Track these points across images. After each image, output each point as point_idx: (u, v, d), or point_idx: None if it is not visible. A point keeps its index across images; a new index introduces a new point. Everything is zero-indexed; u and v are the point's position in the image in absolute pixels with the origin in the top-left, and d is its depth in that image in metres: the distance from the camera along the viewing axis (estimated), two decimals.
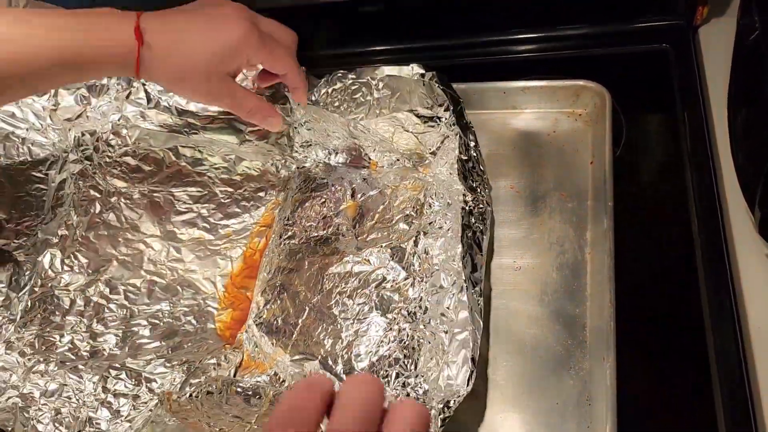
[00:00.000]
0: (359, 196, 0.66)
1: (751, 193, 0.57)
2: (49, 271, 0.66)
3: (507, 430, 0.56)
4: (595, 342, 0.58)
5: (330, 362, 0.58)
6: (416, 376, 0.55)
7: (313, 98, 0.70)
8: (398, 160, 0.68)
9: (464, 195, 0.61)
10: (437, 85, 0.67)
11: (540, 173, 0.69)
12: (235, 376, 0.59)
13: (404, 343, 0.56)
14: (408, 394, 0.54)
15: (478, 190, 0.63)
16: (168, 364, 0.61)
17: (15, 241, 0.69)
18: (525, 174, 0.70)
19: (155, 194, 0.70)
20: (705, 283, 0.58)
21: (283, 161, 0.71)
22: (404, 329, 0.57)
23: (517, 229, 0.66)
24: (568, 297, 0.61)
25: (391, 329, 0.57)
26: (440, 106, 0.67)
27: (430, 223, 0.62)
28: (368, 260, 0.61)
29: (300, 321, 0.60)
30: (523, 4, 0.76)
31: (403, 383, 0.55)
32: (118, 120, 0.71)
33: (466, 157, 0.63)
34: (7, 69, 0.53)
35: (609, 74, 0.71)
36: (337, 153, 0.70)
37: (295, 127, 0.70)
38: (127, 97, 0.72)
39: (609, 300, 0.56)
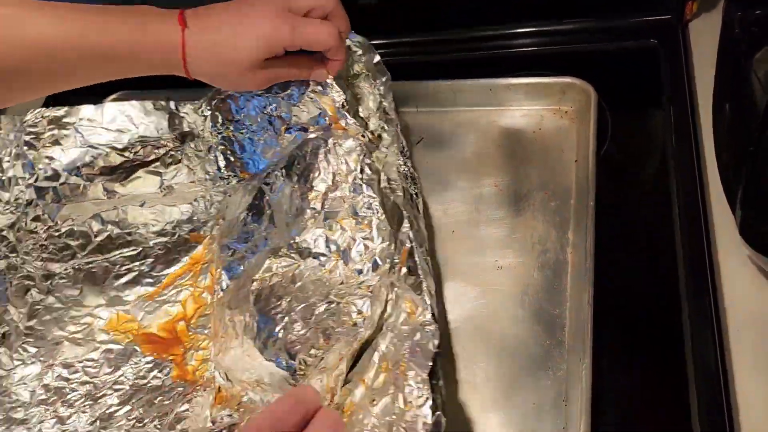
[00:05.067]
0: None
1: (732, 192, 0.56)
2: (0, 371, 0.65)
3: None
4: (573, 342, 0.57)
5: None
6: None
7: None
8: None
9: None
10: None
11: (524, 171, 0.69)
12: (211, 415, 0.59)
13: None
14: None
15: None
16: (140, 424, 0.60)
17: None
18: (509, 172, 0.69)
19: (90, 266, 0.69)
20: (685, 283, 0.57)
21: (209, 197, 0.71)
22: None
23: (500, 228, 0.66)
24: (548, 297, 0.61)
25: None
26: None
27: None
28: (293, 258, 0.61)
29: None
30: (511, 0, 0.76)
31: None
32: (32, 206, 0.71)
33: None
34: (61, 58, 0.56)
35: (597, 71, 0.70)
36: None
37: (213, 156, 0.71)
38: (36, 181, 0.71)
39: (588, 301, 0.56)
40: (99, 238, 0.70)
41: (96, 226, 0.70)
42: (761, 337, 0.55)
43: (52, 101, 0.74)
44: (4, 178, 0.72)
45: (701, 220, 0.60)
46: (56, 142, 0.70)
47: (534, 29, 0.77)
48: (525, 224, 0.65)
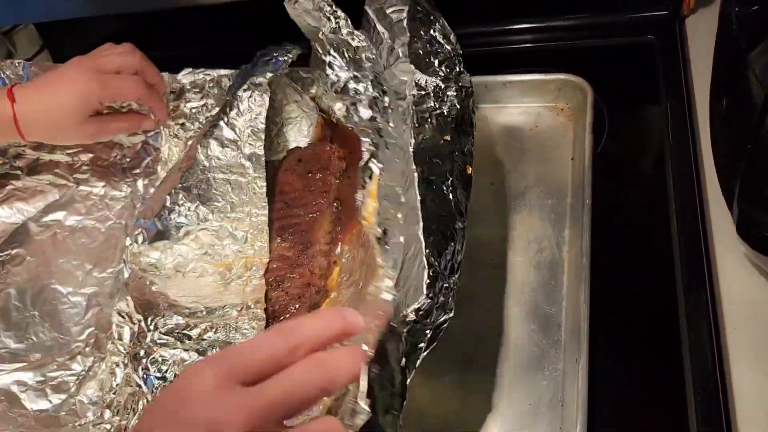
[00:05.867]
0: None
1: (729, 189, 0.56)
2: None
3: None
4: (569, 342, 0.57)
5: None
6: None
7: None
8: None
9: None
10: None
11: (521, 169, 0.68)
12: None
13: None
14: None
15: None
16: None
17: None
18: (506, 170, 0.69)
19: None
20: (682, 280, 0.57)
21: None
22: None
23: (496, 226, 0.65)
24: (544, 296, 0.60)
25: None
26: None
27: None
28: None
29: None
30: None
31: None
32: None
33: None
34: None
35: (594, 67, 0.70)
36: None
37: None
38: None
39: (584, 300, 0.56)
40: None
41: None
42: (758, 334, 0.54)
43: None
44: None
45: (698, 218, 0.60)
46: None
47: (530, 25, 0.76)
48: (521, 222, 0.65)
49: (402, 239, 0.47)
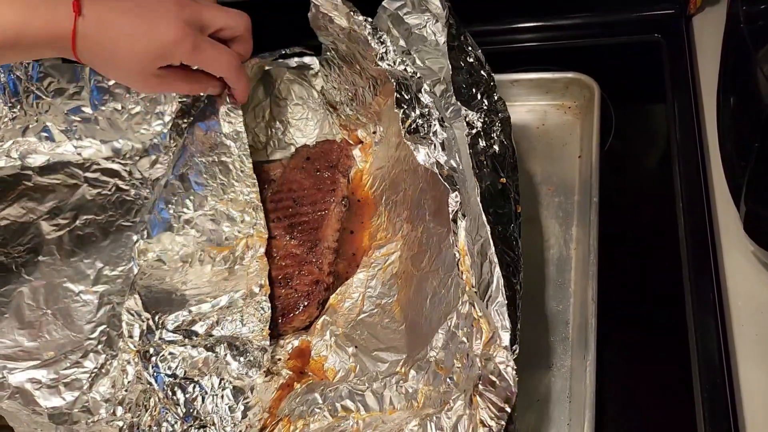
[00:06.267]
0: None
1: (737, 187, 0.56)
2: None
3: None
4: (577, 339, 0.57)
5: None
6: None
7: None
8: None
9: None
10: None
11: (528, 167, 0.69)
12: None
13: None
14: None
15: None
16: None
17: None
18: None
19: None
20: (689, 278, 0.57)
21: None
22: None
23: None
24: (552, 293, 0.61)
25: None
26: None
27: None
28: None
29: None
30: None
31: None
32: None
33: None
34: None
35: (601, 65, 0.70)
36: None
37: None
38: None
39: (591, 297, 0.56)
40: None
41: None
42: (765, 331, 0.55)
43: None
44: None
45: (705, 215, 0.60)
46: None
47: (537, 24, 0.77)
48: (528, 220, 0.65)
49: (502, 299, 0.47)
